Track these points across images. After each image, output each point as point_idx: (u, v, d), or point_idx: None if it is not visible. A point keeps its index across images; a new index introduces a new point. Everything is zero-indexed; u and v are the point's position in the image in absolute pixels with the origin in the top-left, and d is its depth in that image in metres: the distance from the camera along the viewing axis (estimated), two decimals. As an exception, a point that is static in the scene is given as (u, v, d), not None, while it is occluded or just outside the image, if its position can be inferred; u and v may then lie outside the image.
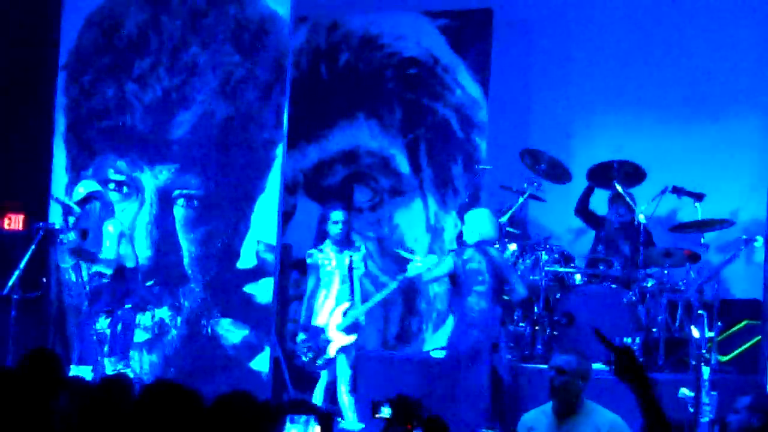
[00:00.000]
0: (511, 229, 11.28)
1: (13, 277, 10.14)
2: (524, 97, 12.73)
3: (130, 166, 11.44)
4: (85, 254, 10.11)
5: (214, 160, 11.30)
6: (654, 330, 10.47)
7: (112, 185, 11.40)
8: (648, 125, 12.13)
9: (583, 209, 11.70)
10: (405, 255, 10.80)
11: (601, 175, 11.21)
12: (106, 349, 10.07)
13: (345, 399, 10.53)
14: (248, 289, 11.02)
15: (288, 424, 4.77)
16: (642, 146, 11.75)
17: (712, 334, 9.98)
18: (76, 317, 11.31)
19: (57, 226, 10.47)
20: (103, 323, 10.10)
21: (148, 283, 10.61)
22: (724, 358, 10.50)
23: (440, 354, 10.50)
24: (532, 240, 11.39)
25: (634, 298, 10.56)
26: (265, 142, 11.19)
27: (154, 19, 11.53)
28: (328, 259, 10.65)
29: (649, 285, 10.59)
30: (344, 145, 12.53)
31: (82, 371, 9.81)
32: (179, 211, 11.34)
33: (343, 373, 10.59)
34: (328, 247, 10.72)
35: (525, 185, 11.26)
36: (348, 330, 10.59)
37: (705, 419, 8.22)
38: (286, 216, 11.96)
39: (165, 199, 11.30)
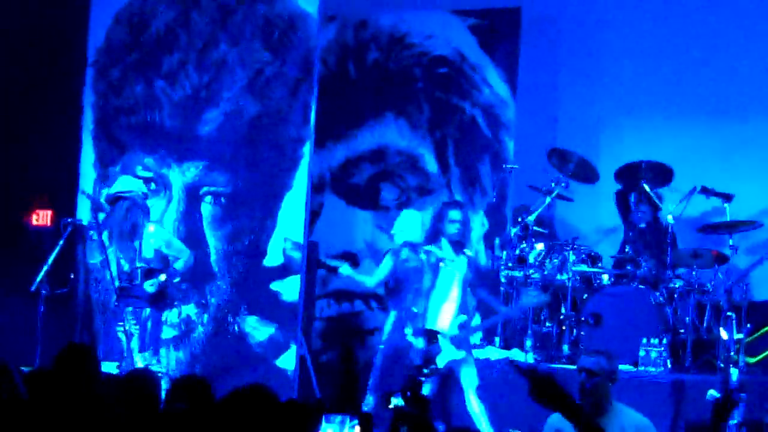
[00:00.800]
0: (538, 229, 11.28)
1: (41, 273, 10.17)
2: (552, 96, 12.70)
3: (158, 162, 11.46)
4: (169, 298, 10.26)
5: (242, 157, 11.31)
6: (681, 331, 10.46)
7: (139, 181, 11.43)
8: (676, 125, 12.08)
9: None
10: (332, 264, 10.89)
11: (629, 175, 11.18)
12: (134, 344, 10.10)
13: (475, 407, 9.85)
14: (275, 286, 11.01)
15: (324, 424, 4.75)
16: (670, 146, 11.71)
17: (740, 336, 9.97)
18: (104, 314, 11.35)
19: (85, 222, 10.50)
20: (130, 320, 10.13)
21: (175, 280, 10.61)
22: (752, 360, 10.45)
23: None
24: (559, 240, 11.37)
25: (661, 299, 10.54)
26: (293, 140, 11.19)
27: (184, 16, 11.55)
28: (446, 258, 10.06)
29: (677, 286, 10.56)
30: (372, 143, 12.52)
31: (108, 367, 9.86)
32: (206, 208, 11.35)
33: (471, 381, 9.86)
34: (445, 246, 10.14)
35: (552, 185, 11.25)
36: (460, 344, 9.89)
37: (733, 421, 8.18)
38: (313, 214, 11.97)
39: (192, 196, 11.30)
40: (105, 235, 10.19)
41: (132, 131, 11.58)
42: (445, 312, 9.93)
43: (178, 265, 10.31)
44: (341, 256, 12.12)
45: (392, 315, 10.64)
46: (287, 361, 11.00)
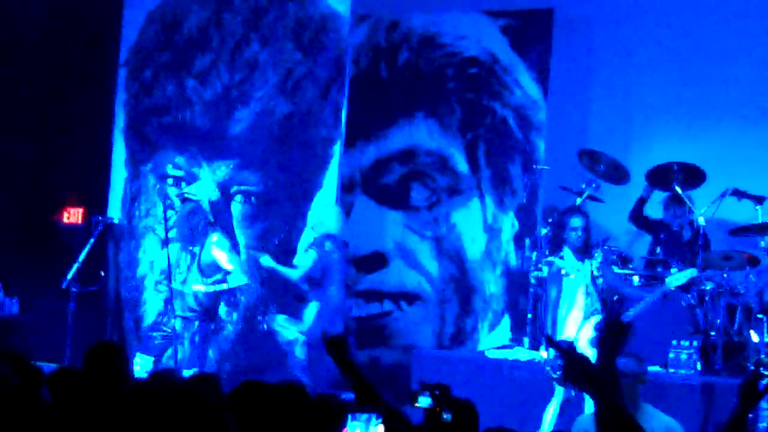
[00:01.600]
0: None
1: (72, 271, 10.25)
2: (583, 97, 12.66)
3: (189, 161, 11.51)
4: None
5: (273, 156, 11.34)
6: (712, 333, 10.40)
7: (170, 180, 11.48)
8: (708, 127, 12.02)
9: (636, 216, 11.59)
10: (255, 254, 10.98)
11: (661, 177, 11.13)
12: (169, 352, 10.09)
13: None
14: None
15: (350, 422, 4.73)
16: (702, 148, 11.65)
17: (771, 338, 9.93)
18: (134, 312, 11.41)
19: (116, 220, 10.55)
20: (179, 327, 10.12)
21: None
22: (783, 363, 10.39)
23: (495, 354, 10.45)
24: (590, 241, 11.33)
25: (692, 300, 10.49)
26: (323, 140, 11.22)
27: (216, 16, 11.60)
28: (569, 267, 9.87)
29: (708, 288, 10.51)
30: (402, 144, 12.50)
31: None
32: (237, 207, 11.39)
33: None
34: (567, 255, 9.94)
35: (583, 186, 11.22)
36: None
37: (763, 424, 8.15)
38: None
39: (223, 195, 11.34)
40: (173, 233, 10.26)
41: (163, 130, 11.64)
42: (571, 321, 9.78)
43: (232, 283, 10.32)
44: (371, 256, 12.15)
45: (313, 306, 10.64)
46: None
